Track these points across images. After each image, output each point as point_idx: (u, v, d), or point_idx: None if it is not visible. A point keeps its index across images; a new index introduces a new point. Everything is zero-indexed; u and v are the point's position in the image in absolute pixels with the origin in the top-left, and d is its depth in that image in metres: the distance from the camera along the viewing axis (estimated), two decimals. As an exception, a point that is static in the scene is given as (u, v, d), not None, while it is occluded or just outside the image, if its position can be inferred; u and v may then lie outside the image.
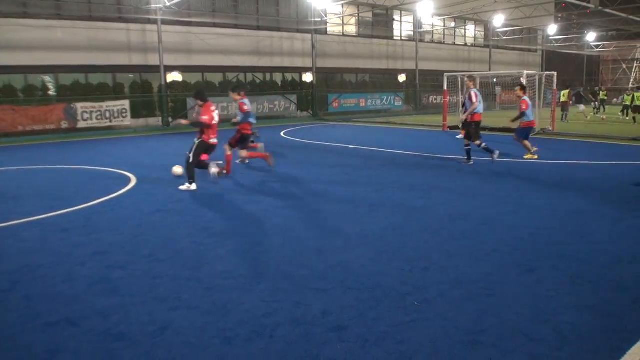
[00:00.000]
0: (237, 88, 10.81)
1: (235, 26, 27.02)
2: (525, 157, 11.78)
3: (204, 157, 9.11)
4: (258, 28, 28.22)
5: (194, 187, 8.84)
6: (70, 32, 22.40)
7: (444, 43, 39.09)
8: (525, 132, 11.90)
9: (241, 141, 10.66)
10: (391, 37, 35.39)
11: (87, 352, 3.48)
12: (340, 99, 30.22)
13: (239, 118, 10.53)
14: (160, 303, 4.22)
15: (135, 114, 22.77)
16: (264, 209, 7.44)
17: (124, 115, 22.05)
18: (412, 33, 35.98)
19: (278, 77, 29.59)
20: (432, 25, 37.48)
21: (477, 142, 11.05)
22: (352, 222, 6.60)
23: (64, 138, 19.71)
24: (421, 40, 36.12)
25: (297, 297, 4.28)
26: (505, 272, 4.76)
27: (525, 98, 11.60)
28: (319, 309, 4.04)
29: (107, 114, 21.59)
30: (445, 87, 20.66)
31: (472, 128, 11.07)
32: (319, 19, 29.11)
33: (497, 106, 32.61)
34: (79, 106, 21.02)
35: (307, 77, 30.59)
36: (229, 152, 10.44)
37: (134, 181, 9.83)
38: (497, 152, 11.05)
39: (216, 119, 9.03)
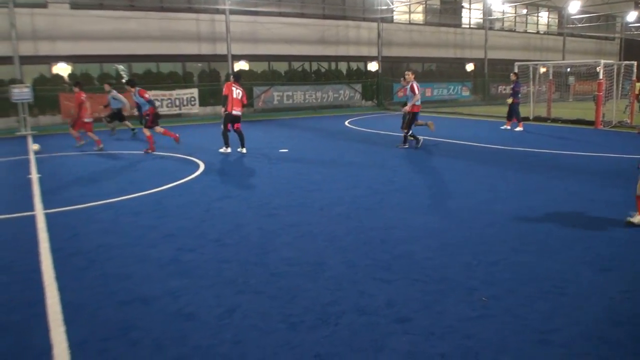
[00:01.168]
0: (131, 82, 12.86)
1: (301, 15, 27.13)
2: None
3: (230, 126, 11.82)
4: (324, 17, 28.19)
5: (225, 150, 11.90)
6: (142, 23, 23.18)
7: (514, 31, 37.69)
8: None
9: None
10: (459, 25, 34.48)
11: (158, 330, 3.61)
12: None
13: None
14: (228, 286, 4.32)
15: (203, 102, 23.36)
16: (328, 198, 7.46)
17: (192, 103, 22.68)
18: (481, 21, 34.90)
19: (343, 66, 29.51)
20: (503, 13, 36.19)
21: (406, 130, 12.28)
22: (416, 214, 6.51)
23: (136, 125, 20.46)
24: (491, 28, 34.98)
25: (361, 286, 4.27)
26: (577, 271, 4.56)
27: None
28: (383, 299, 4.01)
29: (177, 102, 22.29)
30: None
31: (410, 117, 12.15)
32: (386, 7, 28.77)
33: (571, 97, 31.23)
34: (151, 94, 21.74)
35: (373, 66, 30.34)
36: (148, 133, 12.33)
37: (202, 167, 10.10)
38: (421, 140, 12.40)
39: (234, 94, 11.65)
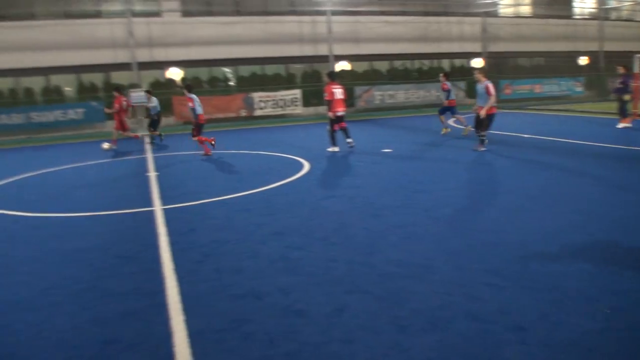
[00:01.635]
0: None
1: (403, 13, 26.88)
2: None
3: (337, 126, 12.04)
4: (425, 14, 27.73)
5: (334, 149, 12.04)
6: (247, 27, 24.08)
7: (633, 20, 34.88)
8: None
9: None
10: (571, 16, 32.50)
11: (270, 325, 3.72)
12: (513, 84, 28.57)
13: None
14: (336, 285, 4.36)
15: (306, 102, 23.84)
16: (433, 198, 7.32)
17: (295, 103, 23.23)
18: (595, 10, 32.65)
19: (446, 64, 28.87)
20: (619, 1, 33.61)
21: (482, 132, 11.24)
22: (529, 218, 6.20)
23: (242, 125, 21.33)
24: (606, 18, 32.64)
25: (471, 291, 4.14)
26: None
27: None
28: (495, 305, 3.86)
29: (281, 103, 22.93)
30: (636, 70, 18.45)
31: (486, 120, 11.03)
32: (490, 1, 27.74)
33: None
34: (256, 96, 22.59)
35: (477, 63, 29.40)
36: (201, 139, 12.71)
37: (306, 167, 10.30)
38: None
39: (337, 95, 11.85)
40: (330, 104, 11.91)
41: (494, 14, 29.44)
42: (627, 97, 14.92)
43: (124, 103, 15.64)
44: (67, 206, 7.98)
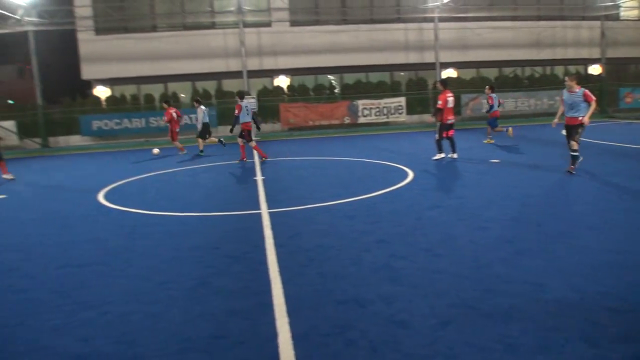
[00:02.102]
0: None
1: (514, 18, 25.85)
2: None
3: (446, 133, 12.00)
4: (539, 18, 26.50)
5: (440, 156, 12.13)
6: (353, 35, 24.31)
7: None
8: None
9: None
10: None
11: (373, 333, 3.71)
12: (634, 92, 26.49)
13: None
14: (441, 298, 4.27)
15: (410, 110, 23.62)
16: (545, 213, 6.96)
17: (399, 111, 23.10)
18: None
19: (560, 70, 27.38)
20: None
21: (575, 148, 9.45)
22: (655, 236, 5.72)
23: (346, 132, 21.54)
24: None
25: (589, 314, 3.87)
26: None
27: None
28: (615, 332, 3.58)
29: (385, 110, 22.90)
30: None
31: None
32: (611, 3, 25.93)
33: None
34: (360, 103, 22.74)
35: (595, 69, 27.59)
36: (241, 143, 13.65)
37: (411, 175, 10.19)
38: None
39: (450, 104, 11.86)
40: (441, 111, 11.91)
41: (615, 18, 27.50)
42: None
43: (174, 114, 16.54)
44: (181, 206, 8.48)
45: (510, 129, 15.67)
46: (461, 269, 4.93)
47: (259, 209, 7.88)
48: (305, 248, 5.79)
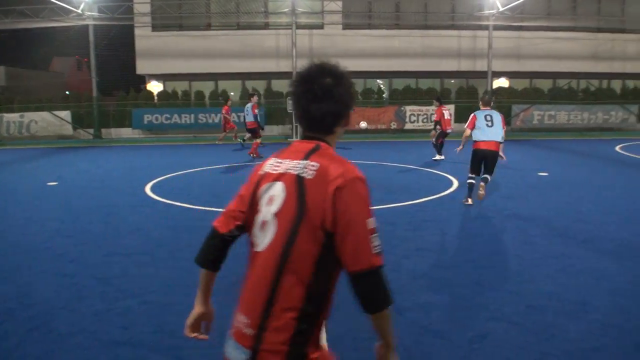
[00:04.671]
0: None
1: (572, 29, 25.09)
2: None
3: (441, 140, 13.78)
4: (598, 30, 25.62)
5: (439, 157, 13.75)
6: (405, 40, 24.12)
7: None
8: None
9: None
10: None
11: (409, 341, 3.68)
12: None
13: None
14: (481, 311, 4.19)
15: (459, 118, 23.25)
16: (595, 230, 6.73)
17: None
18: None
19: (617, 84, 26.44)
20: None
21: None
22: None
23: (392, 137, 21.42)
24: None
25: (632, 336, 3.73)
26: None
27: None
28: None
29: (432, 118, 22.57)
30: None
31: None
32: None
33: None
34: (408, 109, 22.54)
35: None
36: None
37: (455, 184, 10.05)
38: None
39: (446, 116, 13.81)
40: (440, 123, 13.84)
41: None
42: None
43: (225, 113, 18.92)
44: (225, 202, 8.55)
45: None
46: (504, 282, 4.83)
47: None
48: (345, 251, 5.77)
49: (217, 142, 19.36)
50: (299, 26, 23.03)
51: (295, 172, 1.71)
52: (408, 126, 22.63)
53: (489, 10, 22.84)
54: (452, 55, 24.53)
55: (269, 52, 23.80)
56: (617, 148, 17.55)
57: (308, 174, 1.69)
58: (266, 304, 1.67)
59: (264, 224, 1.74)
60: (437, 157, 13.87)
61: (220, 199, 8.89)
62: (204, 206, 8.25)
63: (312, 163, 1.71)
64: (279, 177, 1.76)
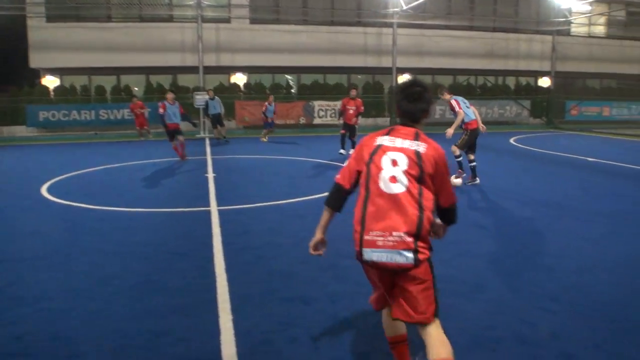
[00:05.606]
0: None
1: (470, 28, 26.50)
2: None
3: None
4: (494, 29, 27.23)
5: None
6: (313, 36, 24.36)
7: None
8: None
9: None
10: (648, 39, 31.15)
11: (316, 331, 3.74)
12: (580, 106, 27.60)
13: None
14: (384, 297, 4.33)
15: (365, 113, 23.79)
16: (492, 216, 7.17)
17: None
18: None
19: (511, 81, 28.23)
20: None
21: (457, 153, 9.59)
22: (589, 243, 5.97)
23: (301, 132, 21.56)
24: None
25: (522, 314, 4.02)
26: None
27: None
28: (546, 330, 3.74)
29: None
30: None
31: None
32: (563, 19, 26.92)
33: None
34: (316, 104, 22.78)
35: (544, 82, 28.58)
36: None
37: (361, 177, 10.28)
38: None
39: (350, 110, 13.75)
40: (343, 114, 14.03)
41: (566, 33, 28.54)
42: None
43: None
44: (129, 201, 8.30)
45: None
46: (406, 269, 5.01)
47: (208, 206, 7.80)
48: (254, 246, 5.77)
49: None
50: (205, 20, 22.59)
51: (413, 148, 2.67)
52: (317, 121, 22.88)
53: (393, 9, 23.56)
54: (358, 52, 25.08)
55: (174, 46, 23.13)
56: (512, 140, 18.78)
57: (421, 149, 2.67)
58: (418, 220, 2.59)
59: (393, 178, 2.65)
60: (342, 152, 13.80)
61: (122, 198, 8.56)
62: (105, 206, 7.90)
63: (421, 143, 2.70)
64: (400, 150, 2.69)
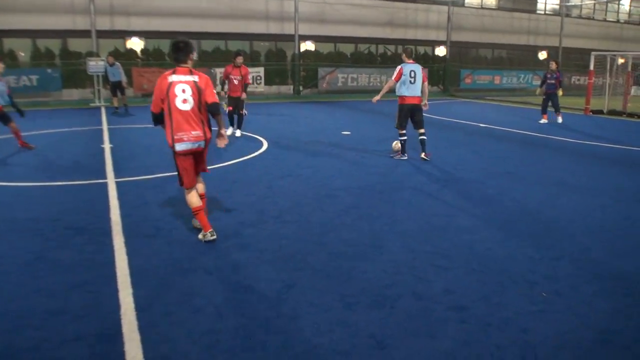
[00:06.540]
0: None
1: (371, -3, 26.88)
2: None
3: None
4: (394, -1, 27.80)
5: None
6: (213, 1, 23.60)
7: (593, 19, 35.80)
8: None
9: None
10: (534, 11, 33.19)
11: (219, 299, 3.75)
12: (474, 74, 29.05)
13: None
14: (287, 263, 4.41)
15: (268, 81, 23.65)
16: (390, 181, 7.45)
17: (258, 81, 22.99)
18: (557, 7, 33.44)
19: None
20: (581, -1, 34.50)
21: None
22: (479, 203, 6.40)
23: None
24: (567, 15, 33.46)
25: (419, 272, 4.26)
26: (649, 271, 4.36)
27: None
28: (440, 286, 4.00)
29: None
30: (591, 67, 19.05)
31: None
32: (458, -10, 27.97)
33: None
34: (218, 71, 22.23)
35: (440, 51, 29.71)
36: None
37: (265, 145, 10.28)
38: None
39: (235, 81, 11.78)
40: (227, 85, 11.83)
41: (460, 4, 29.72)
42: (560, 92, 14.93)
43: None
44: (19, 175, 7.75)
45: None
46: (308, 234, 5.13)
47: (105, 178, 7.46)
48: (153, 218, 5.62)
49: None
50: (97, -20, 21.15)
51: (191, 79, 4.62)
52: (218, 88, 22.38)
53: (295, -26, 23.31)
54: (260, 18, 24.66)
55: (63, 7, 21.45)
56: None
57: (196, 79, 4.63)
58: (201, 123, 4.71)
59: (184, 100, 4.59)
60: None
61: (8, 171, 7.98)
62: (-10, 180, 7.33)
63: (195, 75, 4.64)
64: (185, 82, 4.59)
